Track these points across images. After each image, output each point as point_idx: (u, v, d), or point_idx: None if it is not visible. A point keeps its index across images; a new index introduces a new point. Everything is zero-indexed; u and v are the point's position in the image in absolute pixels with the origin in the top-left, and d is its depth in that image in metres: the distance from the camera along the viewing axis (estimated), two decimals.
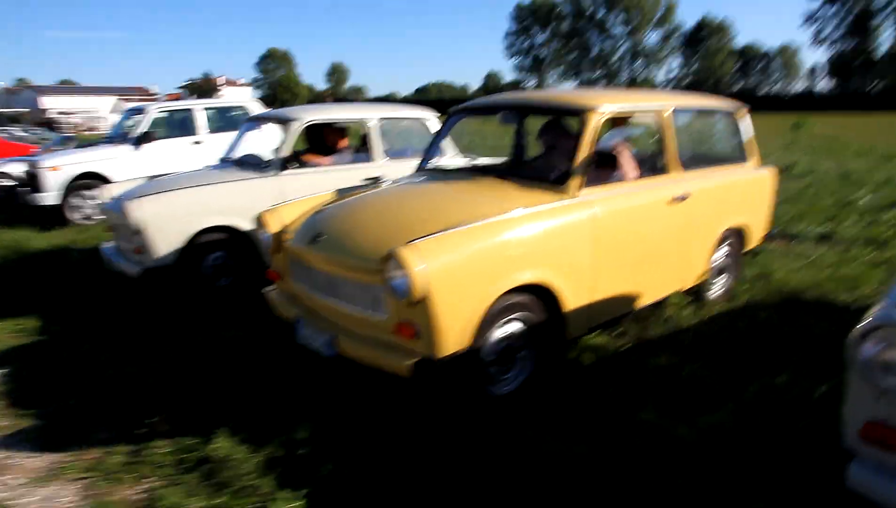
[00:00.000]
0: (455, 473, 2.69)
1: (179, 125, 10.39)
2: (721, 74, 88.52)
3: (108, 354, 4.26)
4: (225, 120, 10.97)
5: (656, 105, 4.25)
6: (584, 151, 3.64)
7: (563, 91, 4.60)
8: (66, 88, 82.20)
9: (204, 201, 5.18)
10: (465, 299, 2.93)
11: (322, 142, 6.15)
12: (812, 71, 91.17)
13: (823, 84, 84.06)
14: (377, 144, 6.01)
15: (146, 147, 9.50)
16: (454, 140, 6.18)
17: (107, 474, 2.87)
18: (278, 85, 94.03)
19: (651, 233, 4.01)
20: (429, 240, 2.88)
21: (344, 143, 6.18)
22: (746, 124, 5.14)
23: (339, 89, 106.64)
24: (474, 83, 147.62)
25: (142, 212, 4.89)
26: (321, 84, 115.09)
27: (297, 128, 5.62)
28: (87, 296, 5.51)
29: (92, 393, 3.70)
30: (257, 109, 10.67)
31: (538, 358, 3.47)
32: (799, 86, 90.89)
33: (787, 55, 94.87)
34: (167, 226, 4.98)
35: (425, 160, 4.62)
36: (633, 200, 3.89)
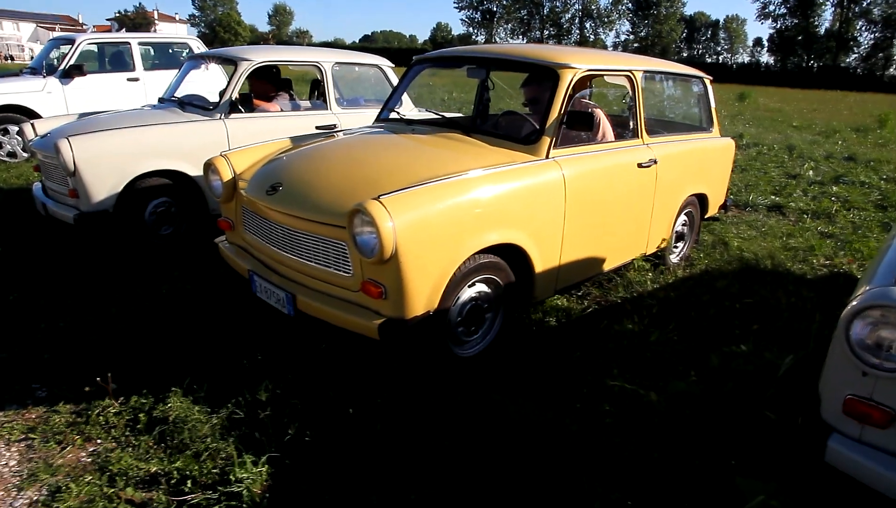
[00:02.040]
0: (420, 437, 2.60)
1: (113, 60, 9.73)
2: (669, 41, 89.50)
3: (40, 306, 3.97)
4: (164, 57, 10.35)
5: (629, 67, 4.15)
6: (556, 110, 3.52)
7: (536, 46, 4.44)
8: None
9: (146, 143, 4.81)
10: (434, 258, 2.80)
11: (269, 86, 5.82)
12: (756, 44, 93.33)
13: (765, 58, 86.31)
14: (331, 91, 5.73)
15: (76, 81, 8.83)
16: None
17: (52, 435, 2.65)
18: (217, 23, 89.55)
19: (619, 197, 3.96)
20: (398, 195, 2.71)
21: (283, 96, 5.86)
22: (711, 93, 5.13)
23: (282, 32, 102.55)
24: (422, 34, 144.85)
25: (76, 151, 4.50)
26: (263, 26, 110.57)
27: (247, 69, 5.29)
28: (13, 241, 5.11)
29: (24, 348, 3.43)
30: (200, 47, 10.07)
31: (504, 320, 3.39)
32: (742, 58, 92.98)
33: (732, 26, 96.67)
34: (105, 168, 4.61)
35: (385, 110, 4.41)
36: (604, 162, 3.82)
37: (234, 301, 3.75)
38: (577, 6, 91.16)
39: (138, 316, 3.71)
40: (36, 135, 5.31)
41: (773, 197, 7.53)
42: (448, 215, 2.82)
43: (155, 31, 64.67)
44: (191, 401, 2.79)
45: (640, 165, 4.05)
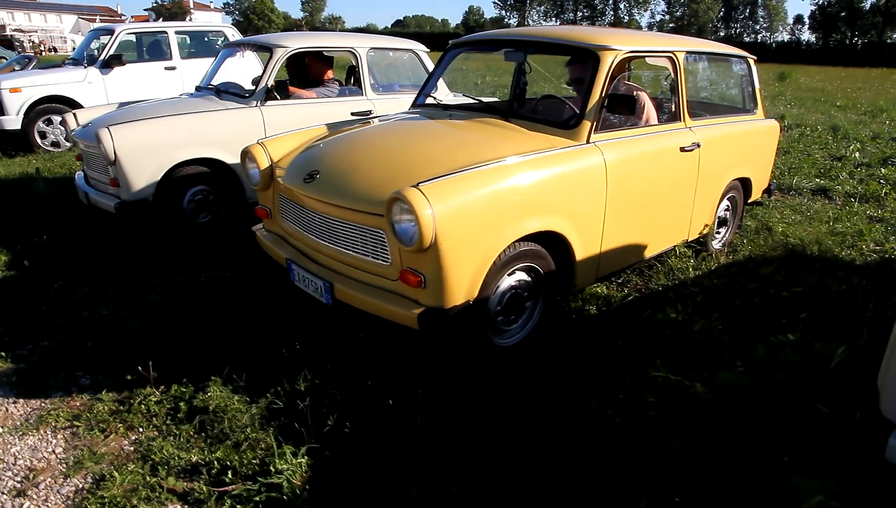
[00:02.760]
0: (461, 428, 2.56)
1: (151, 49, 9.83)
2: (706, 20, 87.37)
3: (83, 293, 4.03)
4: (200, 45, 10.42)
5: (671, 48, 4.02)
6: (596, 93, 3.42)
7: (575, 28, 4.32)
8: (24, 3, 77.84)
9: (183, 132, 4.83)
10: (475, 247, 2.75)
11: (305, 73, 5.80)
12: (797, 21, 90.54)
13: (806, 35, 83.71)
14: (367, 77, 5.68)
15: (115, 71, 8.96)
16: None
17: (95, 423, 2.68)
18: (251, 11, 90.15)
19: (662, 182, 3.85)
20: (437, 183, 2.66)
21: (329, 74, 5.83)
22: (756, 74, 4.95)
23: (315, 18, 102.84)
24: (454, 18, 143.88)
25: (117, 141, 4.54)
26: (296, 12, 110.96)
27: (282, 56, 5.28)
28: (57, 229, 5.20)
29: (68, 335, 3.49)
30: (235, 35, 10.11)
31: (545, 309, 3.33)
32: (781, 36, 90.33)
33: (771, 4, 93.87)
34: (144, 157, 4.66)
35: (422, 96, 4.35)
36: (646, 147, 3.70)
37: (273, 290, 3.75)
38: None
39: (178, 304, 3.74)
40: (78, 125, 5.37)
41: (817, 180, 7.27)
42: (487, 202, 2.76)
43: (190, 19, 65.44)
44: (230, 390, 2.79)
45: (682, 150, 3.92)
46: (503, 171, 2.87)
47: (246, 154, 3.59)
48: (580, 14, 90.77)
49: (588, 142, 3.35)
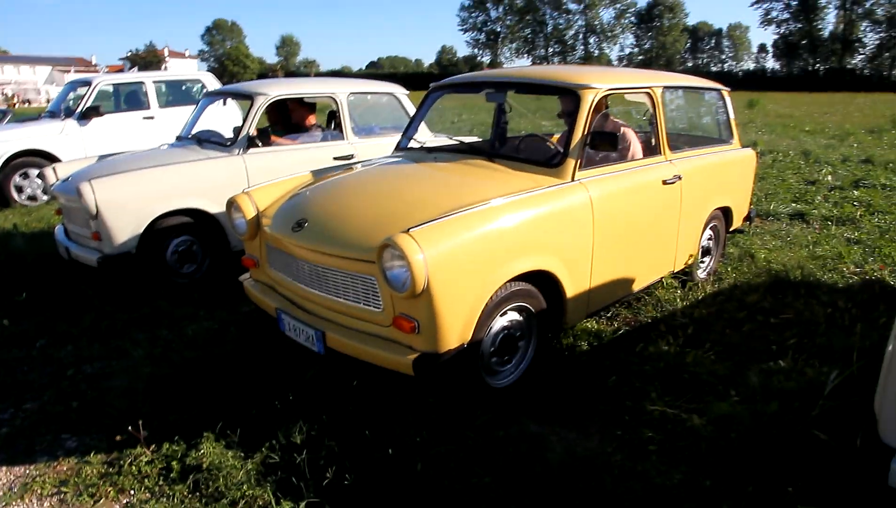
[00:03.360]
0: (463, 475, 2.52)
1: (128, 99, 9.83)
2: (673, 52, 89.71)
3: (67, 351, 3.95)
4: (178, 94, 10.45)
5: (649, 84, 4.11)
6: (579, 131, 3.48)
7: (555, 68, 4.40)
8: None
9: (166, 182, 4.81)
10: (467, 289, 2.75)
11: (287, 119, 5.83)
12: (761, 50, 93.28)
13: (770, 63, 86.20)
14: (347, 121, 5.71)
15: (94, 122, 8.93)
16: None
17: (84, 487, 2.60)
18: (226, 58, 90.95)
19: (646, 215, 3.90)
20: (427, 228, 2.67)
21: (311, 119, 5.87)
22: (730, 105, 5.07)
23: (290, 63, 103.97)
24: (427, 58, 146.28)
25: (98, 194, 4.50)
26: (271, 57, 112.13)
27: (263, 103, 5.29)
28: (37, 285, 5.11)
29: (53, 396, 3.40)
30: (213, 83, 10.16)
31: (537, 348, 3.32)
32: (747, 65, 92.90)
33: (735, 34, 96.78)
34: (126, 209, 4.61)
35: (404, 139, 4.38)
36: (629, 181, 3.76)
37: (262, 340, 3.70)
38: (580, 22, 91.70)
39: (165, 359, 3.67)
40: (57, 179, 5.33)
41: (794, 205, 7.42)
42: (478, 244, 2.77)
43: (165, 68, 65.84)
44: (224, 446, 2.73)
45: (664, 182, 3.98)
46: (491, 212, 2.89)
47: (231, 204, 3.58)
48: (551, 49, 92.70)
49: (573, 180, 3.39)
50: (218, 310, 4.40)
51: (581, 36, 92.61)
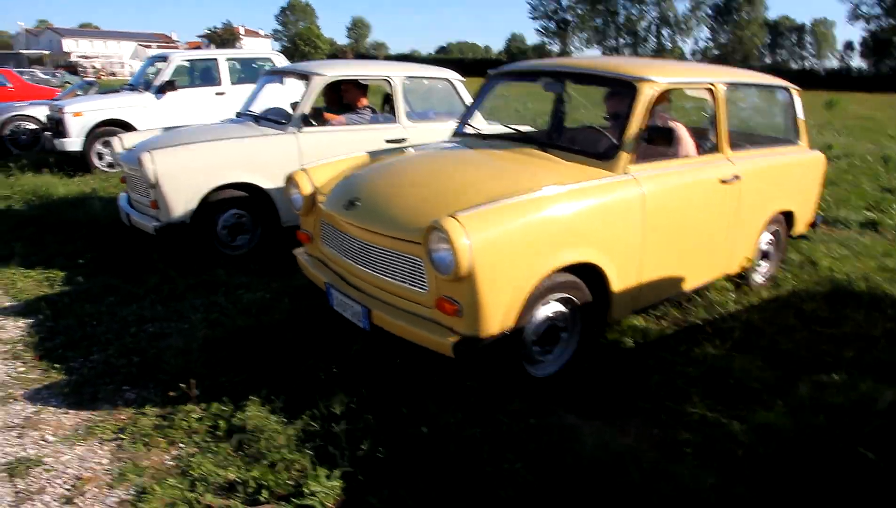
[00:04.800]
0: (494, 459, 2.57)
1: (202, 75, 10.19)
2: (751, 47, 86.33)
3: (131, 310, 4.18)
4: (249, 71, 10.74)
5: (710, 79, 4.01)
6: (634, 124, 3.44)
7: (614, 59, 4.35)
8: (88, 31, 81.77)
9: (222, 156, 4.99)
10: (511, 277, 2.78)
11: (340, 99, 5.90)
12: (847, 47, 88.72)
13: (857, 62, 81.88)
14: (401, 105, 5.75)
15: (169, 96, 9.30)
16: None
17: (139, 436, 2.79)
18: (299, 38, 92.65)
19: (701, 214, 3.83)
20: (474, 213, 2.71)
21: (363, 101, 5.92)
22: (799, 104, 4.89)
23: (360, 45, 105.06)
24: (496, 45, 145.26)
25: (158, 165, 4.71)
26: (342, 39, 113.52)
27: (320, 83, 5.39)
28: (111, 246, 5.41)
29: (116, 350, 3.62)
30: (282, 62, 10.41)
31: (580, 340, 3.33)
32: (830, 63, 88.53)
33: (820, 30, 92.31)
34: (183, 180, 4.81)
35: (461, 125, 4.42)
36: (684, 179, 3.70)
37: (311, 312, 3.82)
38: (653, 14, 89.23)
39: (220, 324, 3.84)
40: (123, 148, 5.56)
41: (866, 213, 7.08)
42: (524, 232, 2.80)
43: (241, 46, 67.65)
44: (268, 411, 2.86)
45: (722, 182, 3.90)
46: (540, 201, 2.91)
47: (289, 180, 3.70)
48: (622, 41, 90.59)
49: (625, 173, 3.37)
50: (273, 281, 4.56)
51: (654, 27, 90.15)
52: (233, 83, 9.96)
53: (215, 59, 9.95)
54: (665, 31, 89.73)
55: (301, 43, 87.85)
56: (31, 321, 4.07)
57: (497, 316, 2.76)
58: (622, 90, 3.69)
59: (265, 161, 5.08)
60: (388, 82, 5.75)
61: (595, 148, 3.59)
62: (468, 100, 6.10)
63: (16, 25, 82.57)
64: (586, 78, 3.99)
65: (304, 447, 2.63)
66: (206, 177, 4.89)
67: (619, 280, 3.32)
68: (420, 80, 6.14)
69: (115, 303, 4.30)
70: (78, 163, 9.04)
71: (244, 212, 5.15)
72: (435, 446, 2.59)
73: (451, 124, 5.92)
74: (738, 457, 2.62)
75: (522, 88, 4.85)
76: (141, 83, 9.69)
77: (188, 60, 9.98)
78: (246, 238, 5.22)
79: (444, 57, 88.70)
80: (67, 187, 7.75)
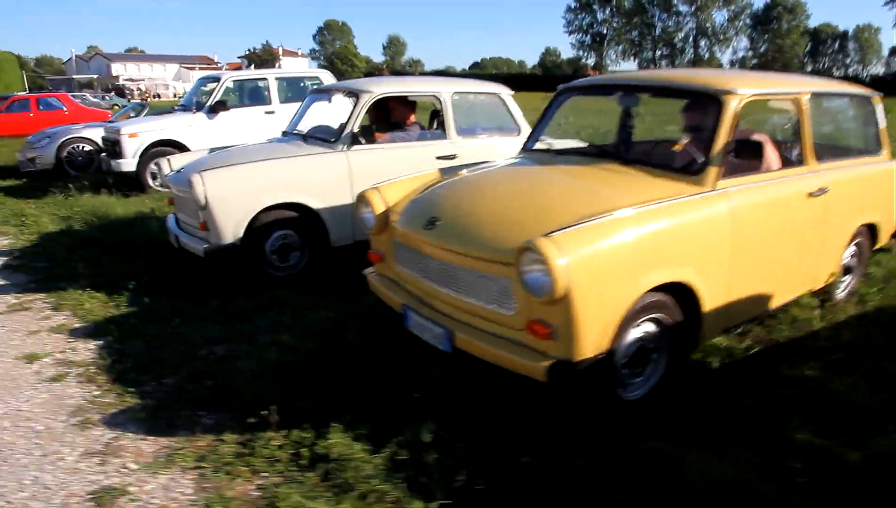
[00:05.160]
0: (594, 488, 2.43)
1: (252, 94, 10.32)
2: (791, 56, 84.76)
3: (196, 331, 4.15)
4: (296, 90, 10.82)
5: (795, 89, 3.84)
6: (722, 138, 3.28)
7: (694, 71, 4.21)
8: (134, 55, 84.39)
9: (271, 176, 4.92)
10: (606, 298, 2.65)
11: (388, 116, 5.80)
12: (893, 53, 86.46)
13: None
14: (451, 121, 5.62)
15: (220, 116, 9.41)
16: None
17: (221, 465, 2.71)
18: (336, 56, 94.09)
19: (789, 229, 3.65)
20: (569, 232, 2.59)
21: (412, 118, 5.83)
22: (881, 112, 4.67)
23: (395, 62, 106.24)
24: (530, 59, 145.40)
25: (209, 186, 4.63)
26: (378, 57, 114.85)
27: (368, 101, 5.31)
28: (168, 266, 5.42)
29: (188, 373, 3.58)
30: (329, 79, 10.46)
31: (669, 362, 3.17)
32: (875, 69, 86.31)
33: (864, 36, 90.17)
34: (233, 201, 4.73)
35: (532, 140, 4.31)
36: (772, 193, 3.53)
37: (384, 334, 3.73)
38: (690, 25, 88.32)
39: (289, 346, 3.77)
40: (171, 170, 5.55)
41: None
42: (620, 252, 2.67)
43: (279, 66, 68.95)
44: (351, 438, 2.76)
45: (809, 195, 3.71)
46: (634, 219, 2.78)
47: (361, 198, 3.63)
48: (659, 53, 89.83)
49: (714, 188, 3.21)
50: (335, 301, 4.48)
51: (691, 39, 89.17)
52: (281, 102, 10.03)
53: (265, 79, 10.08)
54: (703, 42, 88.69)
55: (338, 62, 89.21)
56: (100, 342, 4.07)
57: (592, 339, 2.63)
58: (703, 103, 3.55)
59: (315, 180, 5.00)
60: (437, 98, 5.64)
61: (681, 163, 3.44)
62: (518, 115, 5.97)
63: (69, 52, 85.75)
64: (665, 91, 3.86)
65: (395, 477, 2.53)
66: (256, 197, 4.81)
67: (711, 299, 3.15)
68: (469, 95, 6.00)
69: (180, 324, 4.27)
70: (133, 183, 9.19)
71: (292, 232, 5.05)
72: (536, 476, 2.45)
73: (502, 140, 5.84)
74: (857, 489, 2.43)
75: (574, 102, 4.70)
76: (193, 104, 9.83)
77: (238, 80, 10.11)
78: (296, 257, 5.11)
79: (479, 72, 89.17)
80: (125, 208, 7.86)
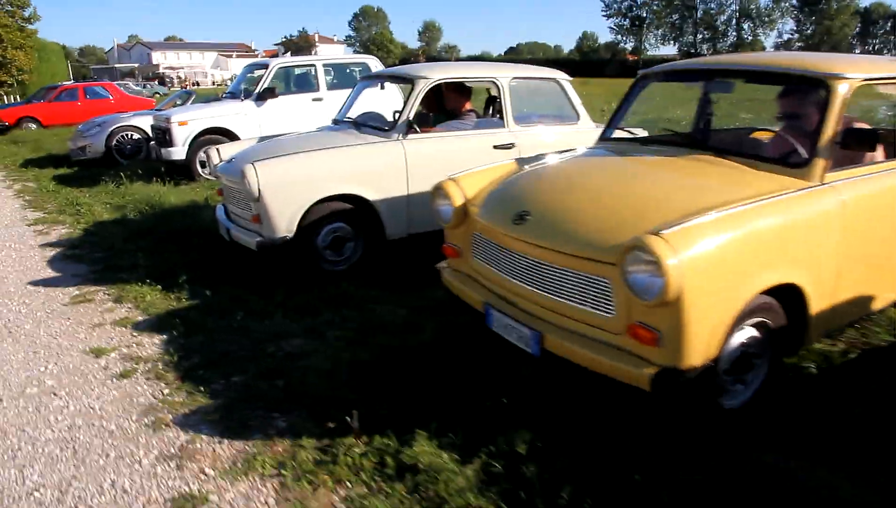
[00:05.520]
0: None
1: (298, 81, 10.22)
2: (840, 37, 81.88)
3: (262, 325, 4.05)
4: (343, 77, 10.70)
5: None
6: (830, 127, 3.02)
7: (797, 54, 3.92)
8: (174, 44, 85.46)
9: (326, 167, 4.72)
10: (718, 301, 2.44)
11: (441, 103, 5.57)
12: None
13: None
14: (509, 108, 5.35)
15: (269, 103, 9.32)
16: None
17: (302, 473, 2.57)
18: (371, 42, 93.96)
19: None
20: (681, 230, 2.38)
21: (468, 105, 5.59)
22: None
23: (431, 48, 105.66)
24: (566, 45, 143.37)
25: (261, 177, 4.44)
26: (413, 42, 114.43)
27: (425, 87, 5.07)
28: (227, 256, 5.33)
29: (257, 371, 3.47)
30: (377, 66, 10.30)
31: (770, 367, 2.94)
32: None
33: None
34: (288, 193, 4.55)
35: (610, 129, 4.07)
36: (883, 185, 3.24)
37: (461, 332, 3.57)
38: (733, 7, 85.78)
39: (361, 343, 3.64)
40: (221, 159, 5.42)
41: None
42: (733, 251, 2.46)
43: (315, 52, 69.11)
44: (438, 446, 2.61)
45: None
46: (744, 216, 2.55)
47: (437, 190, 3.46)
48: (700, 36, 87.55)
49: (823, 183, 2.96)
50: (402, 295, 4.34)
51: (734, 21, 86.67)
52: (329, 89, 9.91)
53: (313, 65, 9.96)
54: (746, 25, 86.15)
55: (374, 48, 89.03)
56: (164, 336, 3.99)
57: (702, 345, 2.42)
58: (807, 88, 3.28)
59: (370, 170, 4.80)
60: (495, 84, 5.39)
61: (782, 154, 3.19)
62: (577, 101, 5.70)
63: (111, 41, 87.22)
64: (763, 76, 3.58)
65: (489, 490, 2.36)
66: (312, 189, 4.62)
67: (818, 300, 2.91)
68: (527, 81, 5.70)
69: (244, 318, 4.17)
70: (183, 171, 9.19)
71: (343, 225, 4.82)
72: (648, 494, 2.27)
73: (561, 129, 5.59)
74: None
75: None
76: (241, 91, 9.77)
77: (287, 67, 10.00)
78: (349, 250, 4.91)
79: (515, 57, 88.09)
80: (177, 197, 7.85)
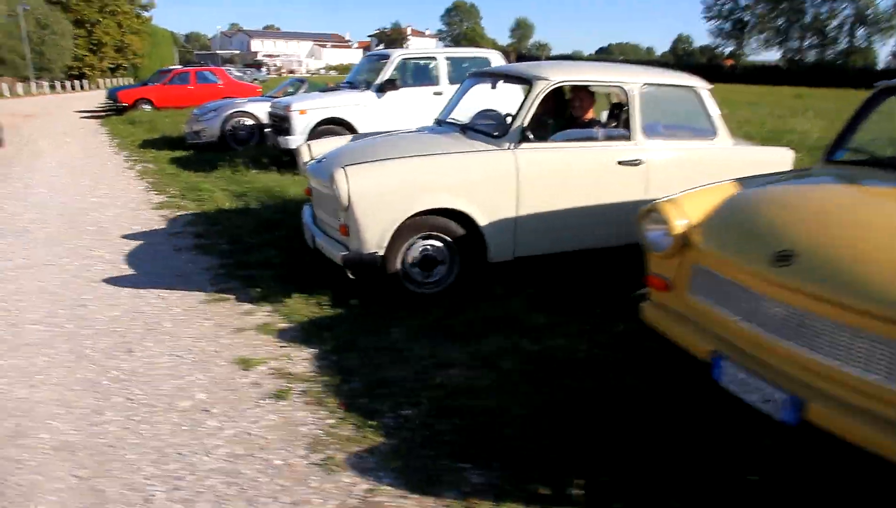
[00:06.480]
0: None
1: (418, 74, 9.88)
2: None
3: (420, 346, 3.64)
4: (461, 71, 10.25)
5: None
6: None
7: None
8: (272, 32, 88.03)
9: (427, 175, 4.14)
10: None
11: (560, 109, 4.95)
12: None
13: None
14: (638, 118, 4.59)
15: (388, 95, 9.03)
16: None
17: None
18: (462, 38, 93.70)
19: None
20: None
21: (591, 113, 4.95)
22: None
23: (522, 45, 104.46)
24: (659, 46, 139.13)
25: (353, 184, 3.89)
26: (504, 39, 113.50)
27: (544, 89, 4.40)
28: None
29: (429, 404, 3.04)
30: (499, 61, 9.84)
31: None
32: None
33: None
34: (381, 204, 3.98)
35: (839, 150, 3.42)
36: None
37: (668, 380, 3.05)
38: (847, 11, 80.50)
39: (542, 380, 3.16)
40: (311, 157, 4.96)
41: None
42: None
43: (408, 46, 69.52)
44: None
45: None
46: None
47: (649, 214, 2.94)
48: (807, 42, 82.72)
49: None
50: (575, 322, 3.84)
51: (846, 28, 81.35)
52: (450, 83, 9.51)
53: (434, 58, 9.62)
54: (860, 31, 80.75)
55: (465, 43, 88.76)
56: (314, 351, 3.65)
57: None
58: None
59: (475, 182, 4.18)
60: (622, 90, 4.61)
61: None
62: (715, 114, 4.85)
63: (214, 29, 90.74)
64: None
65: None
66: (409, 200, 4.03)
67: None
68: (659, 87, 4.85)
69: (399, 337, 3.78)
70: (293, 161, 9.00)
71: (439, 243, 4.24)
72: None
73: (695, 144, 4.81)
74: None
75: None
76: (361, 81, 9.52)
77: (407, 59, 9.68)
78: (441, 272, 4.31)
79: (606, 58, 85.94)
80: (298, 188, 7.61)
